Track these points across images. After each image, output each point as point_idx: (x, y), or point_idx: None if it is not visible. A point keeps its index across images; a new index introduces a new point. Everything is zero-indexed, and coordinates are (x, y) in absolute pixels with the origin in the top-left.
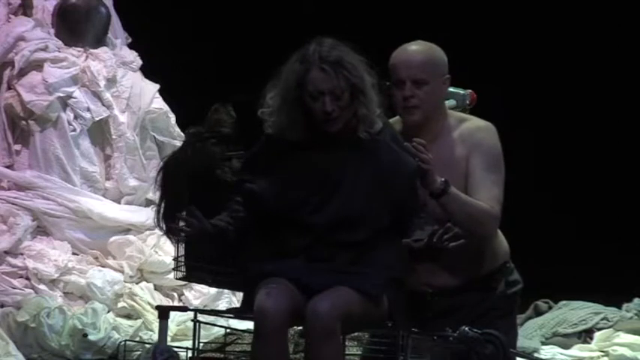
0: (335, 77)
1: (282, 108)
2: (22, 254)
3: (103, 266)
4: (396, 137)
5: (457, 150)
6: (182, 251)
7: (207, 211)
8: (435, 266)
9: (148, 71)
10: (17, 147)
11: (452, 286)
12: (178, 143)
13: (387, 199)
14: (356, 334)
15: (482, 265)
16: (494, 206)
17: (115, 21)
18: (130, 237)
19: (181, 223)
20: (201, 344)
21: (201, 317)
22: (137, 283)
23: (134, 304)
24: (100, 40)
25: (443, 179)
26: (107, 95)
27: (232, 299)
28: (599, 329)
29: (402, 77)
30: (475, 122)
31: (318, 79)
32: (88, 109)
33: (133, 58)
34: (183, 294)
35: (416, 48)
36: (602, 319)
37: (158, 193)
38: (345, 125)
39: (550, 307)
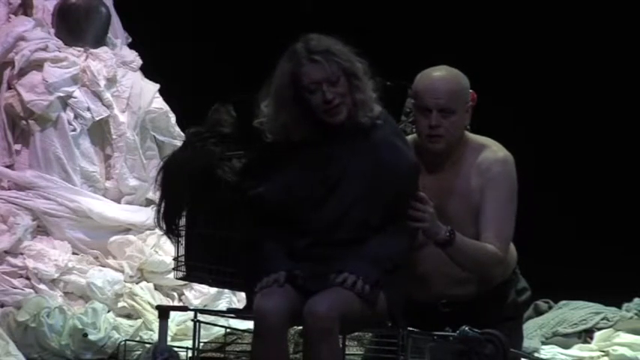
0: (327, 64)
1: (279, 112)
2: (22, 254)
3: (103, 266)
4: (397, 131)
5: (473, 181)
6: (182, 251)
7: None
8: (448, 278)
9: (148, 71)
10: (17, 147)
11: (464, 299)
12: (178, 143)
13: (386, 197)
14: (356, 333)
15: (495, 277)
16: (502, 247)
17: (115, 21)
18: (130, 237)
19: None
20: (201, 344)
21: (201, 317)
22: (137, 283)
23: (134, 303)
24: (100, 40)
25: (449, 228)
26: (107, 95)
27: (232, 299)
28: (600, 329)
29: (428, 105)
30: (494, 152)
31: (312, 70)
32: (88, 109)
33: (133, 57)
34: (183, 294)
35: (442, 75)
36: (603, 319)
37: (158, 193)
38: (348, 115)
39: (550, 307)
